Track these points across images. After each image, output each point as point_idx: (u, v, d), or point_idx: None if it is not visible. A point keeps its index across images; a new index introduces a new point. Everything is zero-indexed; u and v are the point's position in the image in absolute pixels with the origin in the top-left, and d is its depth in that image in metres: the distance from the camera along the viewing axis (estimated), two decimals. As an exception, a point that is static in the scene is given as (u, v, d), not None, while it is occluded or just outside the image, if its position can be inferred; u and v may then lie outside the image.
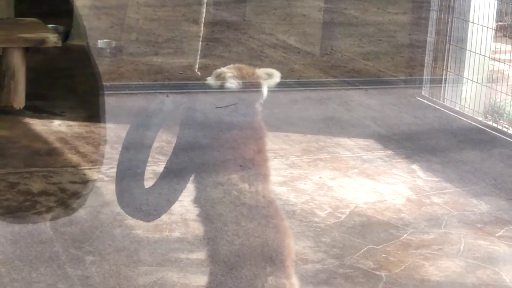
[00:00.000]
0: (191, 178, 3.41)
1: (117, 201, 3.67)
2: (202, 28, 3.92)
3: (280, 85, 7.14)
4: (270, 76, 3.58)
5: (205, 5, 3.64)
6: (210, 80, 3.52)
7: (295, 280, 3.29)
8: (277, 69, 3.53)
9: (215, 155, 3.44)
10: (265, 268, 3.24)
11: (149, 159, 3.61)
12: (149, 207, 3.59)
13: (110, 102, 5.73)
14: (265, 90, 3.55)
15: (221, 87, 3.46)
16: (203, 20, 3.82)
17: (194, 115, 3.47)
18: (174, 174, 3.45)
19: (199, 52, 4.10)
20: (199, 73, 3.60)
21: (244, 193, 3.33)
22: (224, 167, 3.39)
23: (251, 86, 3.52)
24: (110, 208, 4.47)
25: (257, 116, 3.55)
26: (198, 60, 3.57)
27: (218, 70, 3.57)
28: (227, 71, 3.52)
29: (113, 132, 5.41)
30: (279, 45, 7.67)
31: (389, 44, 8.06)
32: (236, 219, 3.32)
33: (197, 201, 3.39)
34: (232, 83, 3.47)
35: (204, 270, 3.74)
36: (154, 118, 3.61)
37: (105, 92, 5.75)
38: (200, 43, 4.24)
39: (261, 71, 3.62)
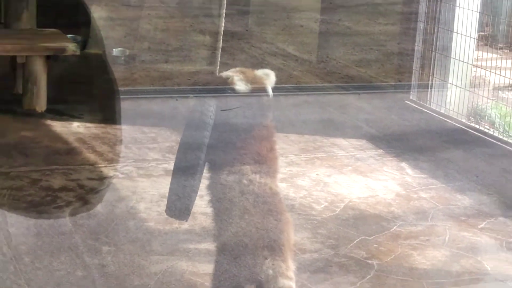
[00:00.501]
0: (209, 173, 3.43)
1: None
2: (221, 38, 3.92)
3: (279, 89, 7.19)
4: (267, 76, 3.60)
5: (223, 17, 3.65)
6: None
7: (291, 265, 3.29)
8: (277, 75, 3.55)
9: (223, 153, 3.46)
10: (266, 256, 3.25)
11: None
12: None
13: (125, 105, 5.73)
14: (270, 90, 3.57)
15: (232, 89, 3.48)
16: (222, 31, 3.81)
17: (203, 118, 3.46)
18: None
19: (219, 59, 4.10)
20: (222, 75, 3.60)
21: (254, 183, 3.35)
22: (238, 161, 3.41)
23: (257, 89, 3.54)
24: (124, 202, 4.50)
25: (268, 117, 3.57)
26: (218, 66, 3.60)
27: (223, 74, 3.58)
28: (233, 74, 3.54)
29: (127, 133, 5.43)
30: (278, 53, 7.68)
31: (380, 52, 8.05)
32: (244, 208, 3.34)
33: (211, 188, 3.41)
34: (240, 86, 3.49)
35: (210, 259, 3.76)
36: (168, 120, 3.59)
37: (120, 96, 5.76)
38: (220, 51, 4.25)
39: (259, 72, 3.64)
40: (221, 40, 3.87)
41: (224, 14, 3.61)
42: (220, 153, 3.45)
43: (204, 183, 3.40)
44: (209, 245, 3.63)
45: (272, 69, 3.65)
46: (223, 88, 3.48)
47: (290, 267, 3.27)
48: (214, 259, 3.43)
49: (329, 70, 7.43)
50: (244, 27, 8.54)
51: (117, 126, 5.59)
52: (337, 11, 8.90)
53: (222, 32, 3.76)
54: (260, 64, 7.25)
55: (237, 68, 3.62)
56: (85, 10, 7.15)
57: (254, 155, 3.41)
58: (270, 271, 3.20)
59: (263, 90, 3.56)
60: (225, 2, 3.63)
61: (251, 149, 3.43)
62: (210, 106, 3.45)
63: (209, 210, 3.44)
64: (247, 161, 3.39)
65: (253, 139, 3.47)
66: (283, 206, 3.45)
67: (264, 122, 3.55)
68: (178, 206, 3.43)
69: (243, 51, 7.69)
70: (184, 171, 3.43)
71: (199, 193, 3.42)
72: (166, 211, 3.47)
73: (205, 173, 3.41)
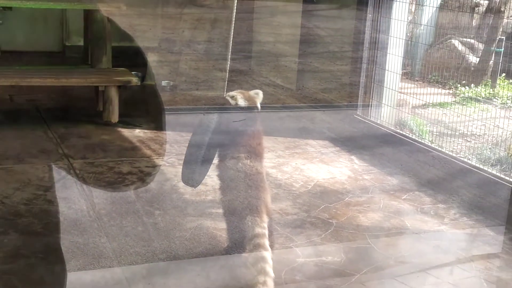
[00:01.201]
0: (218, 159, 3.42)
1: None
2: (227, 72, 3.91)
3: (271, 108, 7.16)
4: (257, 94, 3.59)
5: (229, 60, 3.63)
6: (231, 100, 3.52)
7: (265, 219, 3.27)
8: (269, 98, 3.59)
9: (228, 147, 3.45)
10: (247, 213, 3.26)
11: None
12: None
13: (169, 118, 5.74)
14: (259, 105, 3.56)
15: (236, 105, 3.48)
16: (227, 68, 3.80)
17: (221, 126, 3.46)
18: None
19: (225, 88, 4.11)
20: (228, 94, 3.60)
21: (245, 165, 3.35)
22: (237, 151, 3.41)
23: (252, 106, 3.53)
24: (169, 182, 4.51)
25: (258, 124, 3.57)
26: (225, 92, 3.59)
27: (229, 94, 3.56)
28: (237, 94, 3.53)
29: (171, 137, 5.43)
30: (271, 84, 7.67)
31: (337, 83, 8.04)
32: (238, 182, 3.33)
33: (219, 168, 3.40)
34: (241, 102, 3.49)
35: (221, 218, 3.76)
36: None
37: (166, 113, 5.77)
38: (226, 82, 4.25)
39: (252, 92, 3.63)
40: (227, 74, 3.83)
41: (229, 58, 3.59)
42: (226, 146, 3.45)
43: (214, 165, 3.40)
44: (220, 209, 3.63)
45: (264, 93, 3.64)
46: (230, 106, 3.48)
47: (264, 220, 3.26)
48: (223, 218, 3.46)
49: (304, 95, 7.43)
50: (248, 67, 8.52)
51: (164, 132, 5.60)
52: (309, 56, 8.86)
53: (228, 69, 3.73)
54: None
55: (238, 90, 3.61)
56: (143, 55, 7.16)
57: (248, 147, 3.42)
58: (249, 223, 3.21)
59: (255, 105, 3.55)
60: (230, 49, 3.60)
61: (245, 144, 3.44)
62: (213, 118, 3.46)
63: (218, 182, 3.46)
64: (242, 151, 3.39)
65: (247, 138, 3.47)
66: (264, 181, 3.42)
67: (255, 127, 3.54)
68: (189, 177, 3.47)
69: (247, 82, 7.68)
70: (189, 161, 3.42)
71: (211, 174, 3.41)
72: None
73: (215, 159, 3.40)
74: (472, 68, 8.03)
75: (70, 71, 6.16)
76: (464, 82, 7.47)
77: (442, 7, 8.12)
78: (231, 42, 3.48)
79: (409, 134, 5.42)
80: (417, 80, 7.70)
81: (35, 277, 3.15)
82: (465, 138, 5.53)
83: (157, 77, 7.03)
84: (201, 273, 3.27)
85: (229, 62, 3.60)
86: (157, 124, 5.75)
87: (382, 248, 3.76)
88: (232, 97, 3.50)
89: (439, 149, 5.07)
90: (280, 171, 4.87)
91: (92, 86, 6.00)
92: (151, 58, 7.41)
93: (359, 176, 4.91)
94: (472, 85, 7.40)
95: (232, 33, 3.42)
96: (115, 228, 3.70)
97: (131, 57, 6.91)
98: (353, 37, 8.53)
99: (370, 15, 5.72)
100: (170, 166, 4.78)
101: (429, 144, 5.21)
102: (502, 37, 7.64)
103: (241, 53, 8.69)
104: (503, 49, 7.25)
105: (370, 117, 5.76)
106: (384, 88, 5.63)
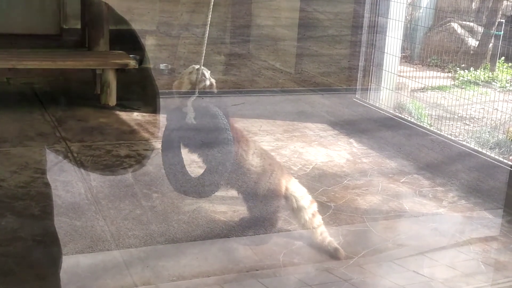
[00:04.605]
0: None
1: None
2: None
3: (271, 92, 7.10)
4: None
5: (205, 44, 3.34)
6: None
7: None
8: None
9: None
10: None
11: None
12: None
13: (167, 102, 5.70)
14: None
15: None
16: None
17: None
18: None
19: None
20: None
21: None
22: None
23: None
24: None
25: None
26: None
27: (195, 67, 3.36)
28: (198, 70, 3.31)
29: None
30: (270, 68, 7.62)
31: (336, 67, 8.00)
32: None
33: None
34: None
35: (225, 201, 3.74)
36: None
37: (162, 96, 5.73)
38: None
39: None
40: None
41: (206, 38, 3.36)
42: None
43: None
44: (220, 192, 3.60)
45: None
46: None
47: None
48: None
49: (303, 79, 7.38)
50: (247, 50, 8.47)
51: (162, 115, 5.55)
52: (308, 40, 8.80)
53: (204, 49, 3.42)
54: (258, 74, 7.20)
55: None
56: (141, 39, 7.09)
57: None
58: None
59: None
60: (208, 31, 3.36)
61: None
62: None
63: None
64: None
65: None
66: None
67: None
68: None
69: (246, 66, 7.63)
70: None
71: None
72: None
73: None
74: (472, 52, 7.98)
75: (67, 54, 6.10)
76: (463, 65, 7.43)
77: (442, -10, 8.05)
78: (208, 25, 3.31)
79: (408, 117, 5.39)
80: (417, 64, 7.66)
81: (32, 260, 3.13)
82: (464, 122, 5.50)
83: (155, 60, 6.98)
84: (199, 256, 3.26)
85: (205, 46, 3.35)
86: (154, 107, 5.71)
87: (380, 231, 3.74)
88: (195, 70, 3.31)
89: (438, 132, 5.04)
90: (278, 154, 4.83)
91: (90, 69, 5.95)
92: (149, 42, 7.35)
93: (357, 159, 4.88)
94: (472, 68, 7.36)
95: (210, 16, 3.26)
96: (113, 211, 3.68)
97: (129, 40, 6.85)
98: (352, 20, 8.48)
99: (369, -2, 5.67)
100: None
101: (428, 127, 5.18)
102: (501, 20, 7.58)
103: (240, 36, 8.62)
104: (502, 33, 7.19)
105: (369, 101, 5.72)
106: (383, 71, 5.59)
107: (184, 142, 3.35)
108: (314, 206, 3.52)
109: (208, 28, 3.19)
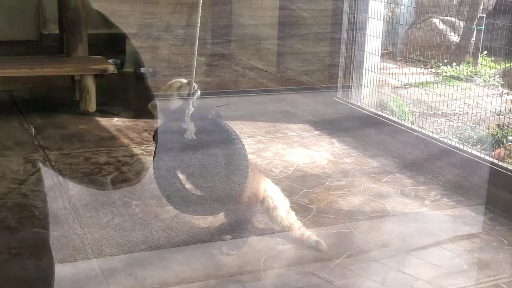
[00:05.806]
0: None
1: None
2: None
3: (253, 92, 7.06)
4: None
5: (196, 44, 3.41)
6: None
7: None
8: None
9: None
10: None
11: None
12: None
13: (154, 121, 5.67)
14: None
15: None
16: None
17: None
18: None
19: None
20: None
21: None
22: None
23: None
24: (147, 172, 4.41)
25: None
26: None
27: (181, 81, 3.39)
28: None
29: (149, 125, 5.34)
30: (253, 68, 7.59)
31: (320, 65, 7.99)
32: None
33: None
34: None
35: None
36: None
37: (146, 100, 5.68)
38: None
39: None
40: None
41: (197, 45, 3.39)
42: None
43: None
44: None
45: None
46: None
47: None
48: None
49: (286, 78, 7.36)
50: (230, 50, 8.43)
51: (143, 120, 5.50)
52: (292, 38, 8.79)
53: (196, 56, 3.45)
54: (241, 75, 7.17)
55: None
56: (122, 42, 7.03)
57: None
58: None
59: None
60: (198, 36, 3.38)
61: None
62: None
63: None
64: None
65: None
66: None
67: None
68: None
69: (229, 67, 7.60)
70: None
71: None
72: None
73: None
74: (454, 47, 7.99)
75: (45, 60, 6.03)
76: (446, 61, 7.44)
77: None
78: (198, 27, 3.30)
79: (389, 115, 5.38)
80: (400, 60, 7.65)
81: (9, 274, 3.08)
82: (447, 118, 5.50)
83: (137, 63, 6.92)
84: (183, 262, 3.23)
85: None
86: (135, 112, 5.66)
87: (363, 232, 3.72)
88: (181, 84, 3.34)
89: (420, 130, 5.03)
90: (260, 157, 4.80)
91: (68, 76, 5.90)
92: (131, 45, 7.29)
93: (339, 160, 4.86)
94: (454, 63, 7.36)
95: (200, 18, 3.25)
96: (92, 220, 3.63)
97: (109, 45, 6.78)
98: (336, 17, 8.46)
99: (348, -4, 5.64)
100: (149, 155, 4.70)
101: (410, 125, 5.16)
102: (482, 15, 7.60)
103: (223, 36, 8.58)
104: (484, 27, 7.20)
105: (351, 99, 5.70)
106: (364, 70, 5.56)
107: (183, 170, 3.31)
108: (287, 203, 3.57)
109: (197, 41, 3.16)
